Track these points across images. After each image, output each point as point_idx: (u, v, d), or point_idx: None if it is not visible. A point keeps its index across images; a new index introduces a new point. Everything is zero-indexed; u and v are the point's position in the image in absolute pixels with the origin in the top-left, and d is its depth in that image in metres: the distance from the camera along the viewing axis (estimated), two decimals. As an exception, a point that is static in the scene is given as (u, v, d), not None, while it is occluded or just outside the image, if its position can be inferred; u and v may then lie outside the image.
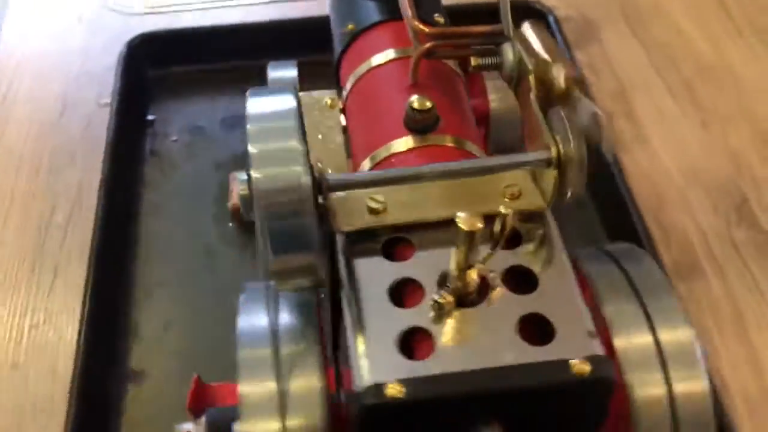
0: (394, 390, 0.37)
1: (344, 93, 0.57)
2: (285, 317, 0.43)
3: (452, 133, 0.50)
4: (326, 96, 0.58)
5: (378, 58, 0.55)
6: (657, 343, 0.41)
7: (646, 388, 0.40)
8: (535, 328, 0.39)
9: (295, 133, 0.41)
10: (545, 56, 0.47)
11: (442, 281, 0.41)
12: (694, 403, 0.40)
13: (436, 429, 0.39)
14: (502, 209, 0.38)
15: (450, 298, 0.39)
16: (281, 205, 0.39)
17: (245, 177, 0.41)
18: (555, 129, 0.44)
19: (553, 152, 0.43)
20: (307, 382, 0.40)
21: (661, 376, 0.40)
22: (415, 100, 0.49)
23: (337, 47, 0.60)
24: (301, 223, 0.39)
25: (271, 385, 0.40)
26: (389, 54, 0.55)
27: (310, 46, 0.72)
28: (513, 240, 0.42)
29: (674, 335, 0.41)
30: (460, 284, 0.40)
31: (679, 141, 0.83)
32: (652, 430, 0.40)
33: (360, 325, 0.39)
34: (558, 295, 0.40)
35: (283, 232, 0.39)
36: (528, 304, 0.40)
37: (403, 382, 0.37)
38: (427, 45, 0.51)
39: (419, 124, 0.50)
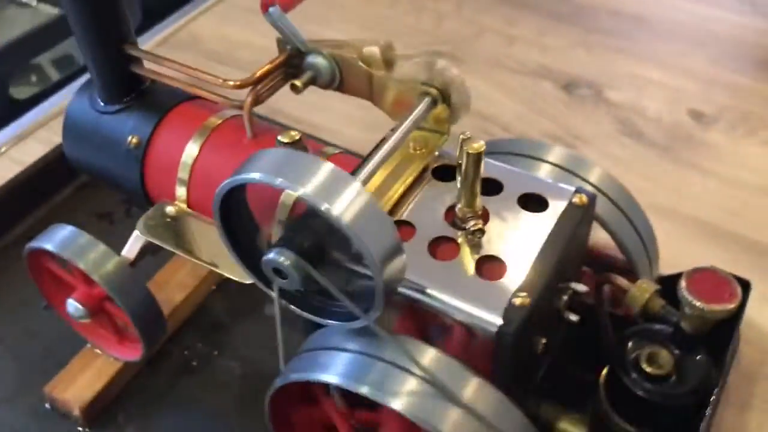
0: (520, 299, 0.42)
1: (181, 195, 0.56)
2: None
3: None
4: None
5: (192, 148, 0.56)
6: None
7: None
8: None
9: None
10: (348, 43, 0.54)
11: (457, 222, 0.47)
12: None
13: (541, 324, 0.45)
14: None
15: (480, 222, 0.45)
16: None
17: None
18: (413, 80, 0.52)
19: (433, 92, 0.51)
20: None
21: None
22: (282, 136, 0.52)
23: (124, 170, 0.59)
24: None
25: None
26: (200, 136, 0.56)
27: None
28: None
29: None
30: (471, 211, 0.46)
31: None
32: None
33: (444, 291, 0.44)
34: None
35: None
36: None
37: (515, 294, 0.43)
38: (249, 98, 0.54)
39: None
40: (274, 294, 0.44)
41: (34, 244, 0.60)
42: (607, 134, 0.95)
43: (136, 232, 0.65)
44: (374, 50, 0.54)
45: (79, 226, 0.58)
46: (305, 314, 0.45)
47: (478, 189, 0.46)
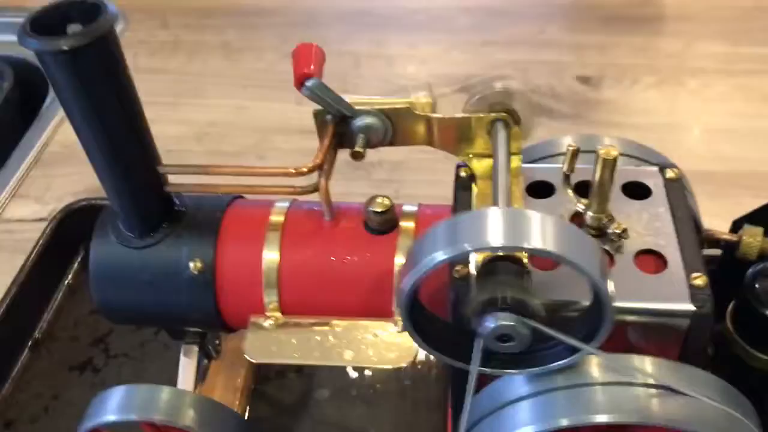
0: (699, 280, 0.44)
1: (272, 305, 0.51)
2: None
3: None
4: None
5: (270, 254, 0.51)
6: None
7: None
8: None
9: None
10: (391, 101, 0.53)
11: (591, 230, 0.48)
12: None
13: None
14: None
15: (620, 223, 0.47)
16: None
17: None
18: (477, 110, 0.51)
19: (503, 116, 0.51)
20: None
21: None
22: (374, 207, 0.50)
23: (189, 301, 0.52)
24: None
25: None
26: (272, 239, 0.52)
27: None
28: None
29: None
30: (605, 215, 0.47)
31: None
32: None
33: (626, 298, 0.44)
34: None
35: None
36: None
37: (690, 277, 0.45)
38: (323, 179, 0.50)
39: (384, 225, 0.51)
40: (471, 369, 0.42)
41: (92, 423, 0.53)
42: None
43: (184, 360, 0.59)
44: (422, 96, 0.53)
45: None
46: (518, 372, 0.43)
47: (610, 194, 0.47)
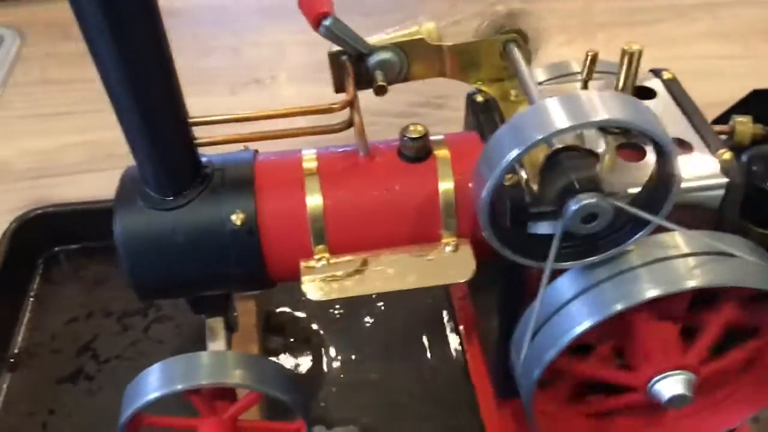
0: (726, 155, 0.48)
1: (321, 247, 0.51)
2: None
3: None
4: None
5: (313, 198, 0.50)
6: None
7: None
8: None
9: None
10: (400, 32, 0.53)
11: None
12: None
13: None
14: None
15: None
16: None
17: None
18: (491, 35, 0.53)
19: (513, 36, 0.53)
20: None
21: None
22: (410, 133, 0.51)
23: (233, 254, 0.51)
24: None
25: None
26: (312, 183, 0.51)
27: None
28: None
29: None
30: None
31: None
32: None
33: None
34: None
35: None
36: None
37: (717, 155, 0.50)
38: (357, 116, 0.50)
39: (420, 152, 0.51)
40: (548, 263, 0.44)
41: (135, 406, 0.50)
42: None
43: (211, 333, 0.58)
44: (431, 26, 0.54)
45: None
46: (596, 258, 0.45)
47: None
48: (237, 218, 0.50)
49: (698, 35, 1.12)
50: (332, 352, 0.72)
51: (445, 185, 0.51)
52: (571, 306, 0.48)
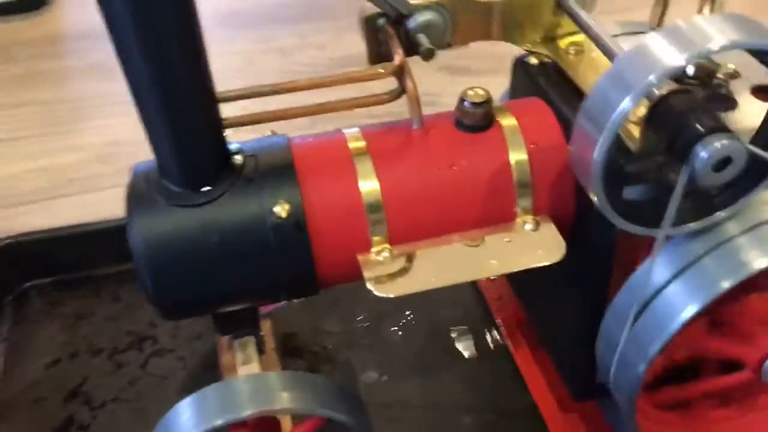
0: None
1: (379, 238, 0.43)
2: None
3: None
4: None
5: (368, 183, 0.43)
6: None
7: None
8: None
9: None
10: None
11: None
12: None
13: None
14: None
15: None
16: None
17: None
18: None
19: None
20: None
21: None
22: (467, 95, 0.44)
23: (277, 251, 0.42)
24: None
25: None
26: (363, 165, 0.43)
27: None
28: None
29: None
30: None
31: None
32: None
33: None
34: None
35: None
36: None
37: None
38: (409, 81, 0.43)
39: (483, 120, 0.45)
40: (662, 231, 0.37)
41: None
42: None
43: (241, 356, 0.50)
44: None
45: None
46: (706, 220, 0.39)
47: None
48: (281, 209, 0.42)
49: None
50: (363, 370, 0.63)
51: (518, 155, 0.44)
52: (670, 288, 0.42)
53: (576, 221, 0.46)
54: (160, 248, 0.41)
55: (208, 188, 0.41)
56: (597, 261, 0.45)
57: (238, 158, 0.43)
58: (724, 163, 0.36)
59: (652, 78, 0.34)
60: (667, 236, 0.40)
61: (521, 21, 0.49)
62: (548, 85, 0.47)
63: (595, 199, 0.38)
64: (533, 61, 0.49)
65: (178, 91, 0.38)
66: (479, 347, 0.65)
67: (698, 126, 0.36)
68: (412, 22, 0.46)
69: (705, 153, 0.36)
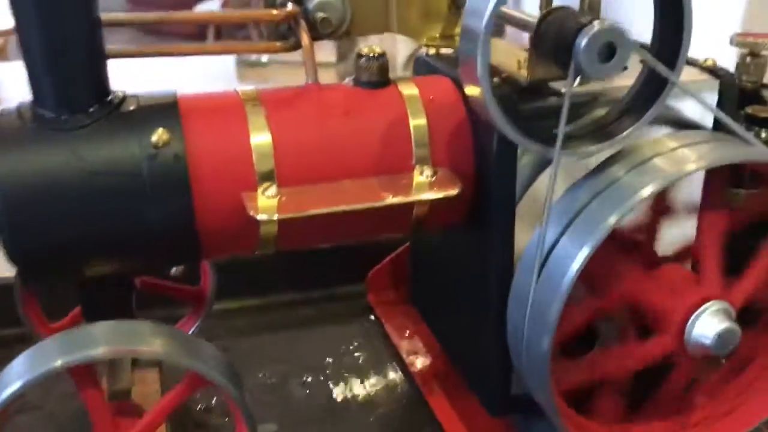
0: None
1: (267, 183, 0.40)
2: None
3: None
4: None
5: (260, 134, 0.41)
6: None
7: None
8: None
9: None
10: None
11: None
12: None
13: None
14: None
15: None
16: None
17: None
18: None
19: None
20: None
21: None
22: (362, 49, 0.44)
23: (153, 185, 0.38)
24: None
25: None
26: (255, 114, 0.41)
27: None
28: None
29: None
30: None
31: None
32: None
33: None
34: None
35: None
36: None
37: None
38: (305, 36, 0.43)
39: (381, 75, 0.44)
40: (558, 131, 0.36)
41: None
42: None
43: None
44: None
45: None
46: (598, 146, 0.38)
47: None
48: (158, 138, 0.39)
49: None
50: (262, 421, 0.55)
51: (415, 109, 0.43)
52: (561, 243, 0.39)
53: (476, 189, 0.44)
54: (21, 177, 0.37)
55: (82, 114, 0.39)
56: (499, 228, 0.42)
57: (118, 94, 0.41)
58: (609, 51, 0.35)
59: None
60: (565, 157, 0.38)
61: (419, 13, 0.50)
62: (446, 66, 0.47)
63: (487, 104, 0.36)
64: (431, 51, 0.50)
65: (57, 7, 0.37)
66: (391, 397, 0.59)
67: (575, 22, 0.36)
68: (311, 2, 0.47)
69: (584, 40, 0.35)
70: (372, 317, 0.67)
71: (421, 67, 0.51)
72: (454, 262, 0.50)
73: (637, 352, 0.44)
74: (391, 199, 0.39)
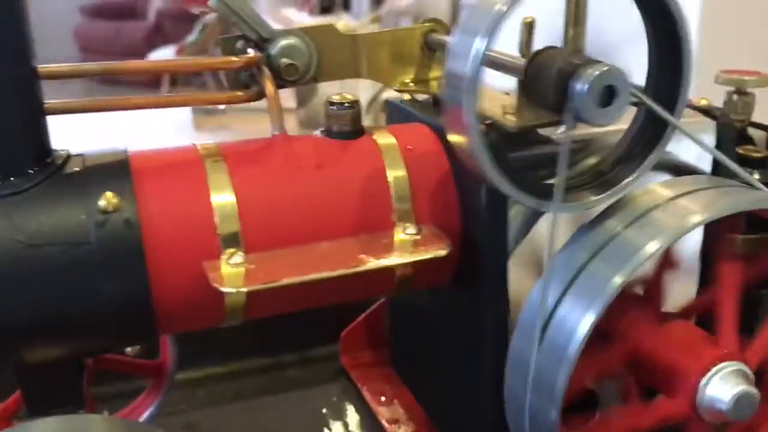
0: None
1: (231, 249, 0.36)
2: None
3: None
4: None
5: (221, 194, 0.36)
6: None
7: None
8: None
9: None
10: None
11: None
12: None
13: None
14: None
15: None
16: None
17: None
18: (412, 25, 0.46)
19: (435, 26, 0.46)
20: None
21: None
22: (333, 97, 0.40)
23: (99, 253, 0.33)
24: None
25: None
26: (216, 173, 0.37)
27: None
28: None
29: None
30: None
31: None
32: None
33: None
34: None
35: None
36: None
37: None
38: (269, 84, 0.39)
39: (353, 125, 0.40)
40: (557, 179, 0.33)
41: None
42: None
43: None
44: (346, 20, 0.46)
45: None
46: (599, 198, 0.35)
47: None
48: (107, 203, 0.34)
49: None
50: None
51: (392, 160, 0.39)
52: (563, 305, 0.36)
53: (463, 240, 0.40)
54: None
55: (20, 177, 0.34)
56: (490, 288, 0.38)
57: (60, 153, 0.36)
58: (609, 95, 0.32)
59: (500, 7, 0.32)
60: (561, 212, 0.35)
61: (390, 58, 0.47)
62: (423, 110, 0.44)
63: (475, 150, 0.32)
64: (405, 96, 0.47)
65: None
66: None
67: (569, 64, 0.33)
68: (274, 48, 0.43)
69: (583, 84, 0.32)
70: (347, 380, 0.62)
71: (394, 113, 0.47)
72: (438, 322, 0.46)
73: (646, 414, 0.40)
74: (373, 263, 0.35)
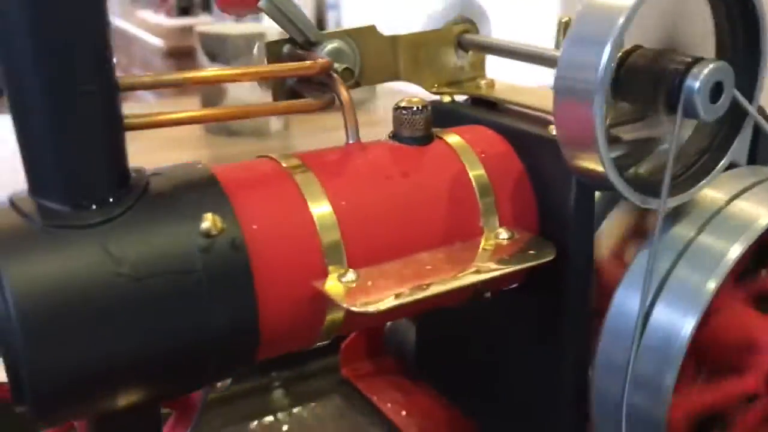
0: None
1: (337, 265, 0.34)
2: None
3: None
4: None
5: (319, 206, 0.34)
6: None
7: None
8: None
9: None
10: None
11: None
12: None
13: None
14: None
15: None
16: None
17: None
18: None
19: (467, 27, 0.46)
20: None
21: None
22: (402, 102, 0.39)
23: (206, 273, 0.30)
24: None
25: None
26: (308, 186, 0.35)
27: None
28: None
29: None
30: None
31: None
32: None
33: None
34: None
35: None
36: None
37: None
38: (343, 91, 0.37)
39: (425, 129, 0.39)
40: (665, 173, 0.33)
41: None
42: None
43: None
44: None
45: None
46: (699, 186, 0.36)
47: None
48: (210, 225, 0.31)
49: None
50: None
51: (472, 163, 0.38)
52: (658, 309, 0.37)
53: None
54: (43, 295, 0.28)
55: (106, 204, 0.30)
56: (575, 292, 0.39)
57: (139, 175, 0.32)
58: (717, 90, 0.33)
59: (621, 20, 0.32)
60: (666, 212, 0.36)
61: (425, 60, 0.46)
62: (473, 110, 0.44)
63: (600, 165, 0.33)
64: (446, 98, 0.46)
65: (68, 65, 0.29)
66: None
67: (677, 63, 0.34)
68: (321, 51, 0.41)
69: (697, 82, 0.33)
70: (352, 390, 0.60)
71: (443, 116, 0.46)
72: (490, 325, 0.46)
73: (707, 395, 0.42)
74: (488, 273, 0.34)
